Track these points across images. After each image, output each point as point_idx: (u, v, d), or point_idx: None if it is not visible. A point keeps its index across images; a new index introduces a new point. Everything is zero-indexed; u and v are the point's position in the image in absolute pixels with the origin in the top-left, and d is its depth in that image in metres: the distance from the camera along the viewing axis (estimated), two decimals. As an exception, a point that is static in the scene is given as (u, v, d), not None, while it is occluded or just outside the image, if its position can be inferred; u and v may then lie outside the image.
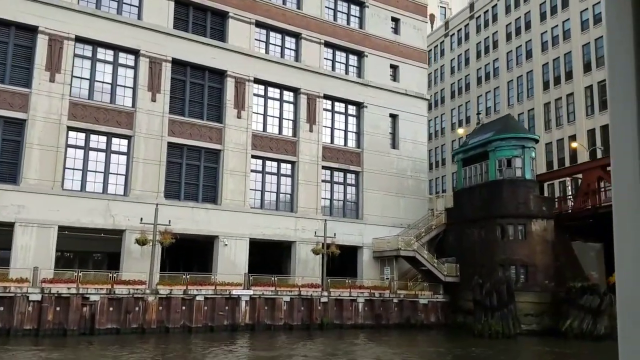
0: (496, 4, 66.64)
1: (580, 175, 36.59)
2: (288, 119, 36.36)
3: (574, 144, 48.70)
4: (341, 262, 37.33)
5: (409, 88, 40.77)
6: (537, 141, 35.66)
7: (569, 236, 34.08)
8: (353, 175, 38.30)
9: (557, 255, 33.43)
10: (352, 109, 38.90)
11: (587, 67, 52.41)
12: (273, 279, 31.34)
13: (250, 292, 30.39)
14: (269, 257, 37.38)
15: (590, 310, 28.70)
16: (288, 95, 36.52)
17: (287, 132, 36.23)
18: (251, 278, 30.84)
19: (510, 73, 63.23)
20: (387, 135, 39.73)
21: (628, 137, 0.85)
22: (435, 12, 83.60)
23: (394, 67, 40.70)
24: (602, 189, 32.46)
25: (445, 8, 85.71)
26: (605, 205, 31.53)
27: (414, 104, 40.79)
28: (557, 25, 56.87)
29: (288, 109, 36.46)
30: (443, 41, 77.33)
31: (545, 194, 43.08)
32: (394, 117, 40.28)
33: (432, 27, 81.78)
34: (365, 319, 33.70)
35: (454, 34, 75.24)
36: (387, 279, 36.46)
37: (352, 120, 38.81)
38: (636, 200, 0.85)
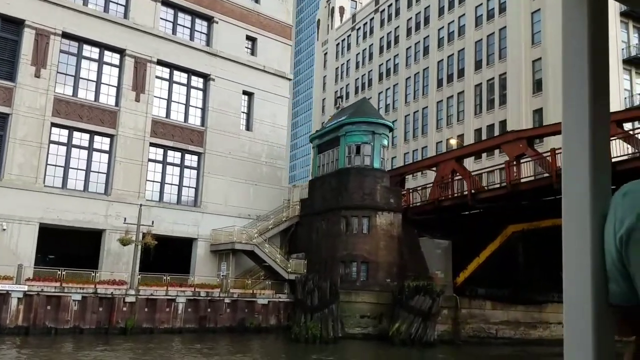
0: (399, -3, 64.73)
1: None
2: (109, 85, 30.82)
3: (452, 141, 46.93)
4: (175, 256, 32.31)
5: (269, 64, 36.56)
6: (391, 129, 32.59)
7: (418, 231, 31.23)
8: (194, 157, 33.40)
9: (402, 251, 30.41)
10: (196, 81, 34.02)
11: (478, 65, 51.23)
12: (60, 272, 25.68)
13: (24, 287, 24.57)
14: (85, 248, 31.59)
15: (420, 312, 25.62)
16: (110, 57, 30.99)
17: (107, 99, 30.67)
18: (27, 270, 25.00)
19: (408, 69, 61.48)
20: (240, 115, 35.23)
21: (579, 137, 0.87)
22: (345, 5, 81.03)
23: (251, 40, 36.33)
24: (453, 180, 29.75)
25: (356, 2, 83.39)
26: (450, 198, 28.87)
27: (274, 83, 36.64)
28: (453, 21, 55.49)
29: (110, 73, 30.93)
30: (350, 35, 74.74)
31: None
32: (249, 95, 35.87)
33: (341, 19, 79.25)
34: (185, 322, 28.81)
35: (360, 27, 72.90)
36: (224, 276, 31.87)
37: (196, 94, 33.92)
38: (585, 204, 0.86)
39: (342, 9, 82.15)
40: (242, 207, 34.06)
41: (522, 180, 24.63)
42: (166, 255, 30.66)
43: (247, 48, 36.14)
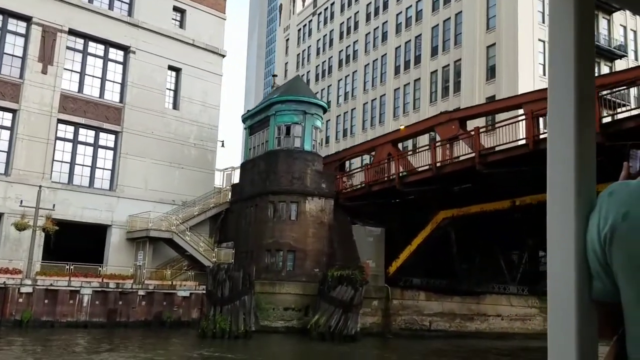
0: (360, -19, 62.79)
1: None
2: (12, 55, 27.85)
3: (401, 126, 45.30)
4: (89, 244, 29.66)
5: (200, 39, 33.98)
6: (325, 109, 30.50)
7: (350, 218, 29.38)
8: (110, 136, 30.68)
9: (332, 239, 28.53)
10: (115, 54, 31.23)
11: (434, 51, 49.79)
12: (-61, 260, 22.89)
13: None
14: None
15: (341, 304, 23.78)
16: (15, 25, 28.00)
17: (9, 71, 27.71)
18: None
19: (367, 56, 59.72)
20: (164, 92, 32.61)
21: (565, 135, 0.89)
22: (308, -11, 78.60)
23: (180, 11, 33.66)
24: (389, 163, 27.78)
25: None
26: (379, 182, 27.07)
27: (205, 59, 34.10)
28: (411, 6, 53.90)
29: (14, 42, 27.95)
30: (311, 20, 72.49)
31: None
32: (176, 70, 33.27)
33: (303, 4, 76.90)
34: (92, 316, 26.32)
35: (321, 12, 70.75)
36: (139, 266, 29.46)
37: (114, 68, 31.14)
38: (570, 201, 0.87)
39: (304, -7, 79.68)
40: (165, 191, 31.58)
41: (454, 161, 22.93)
42: (78, 242, 28.06)
43: (175, 20, 33.48)
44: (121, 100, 30.97)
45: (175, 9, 33.28)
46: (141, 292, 27.95)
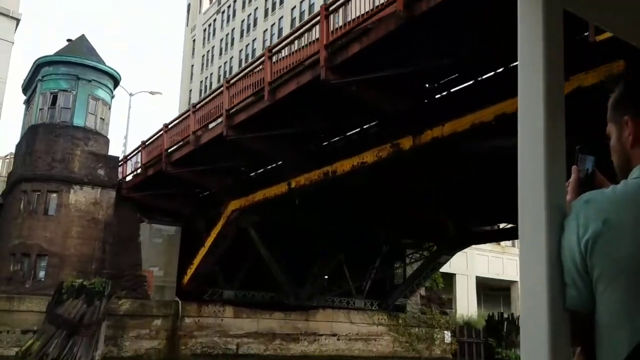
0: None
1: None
2: None
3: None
4: None
5: (-20, -4, 27.48)
6: (116, 79, 24.23)
7: (141, 215, 23.08)
8: None
9: (106, 241, 22.08)
10: None
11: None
12: None
13: None
14: None
15: (66, 323, 17.23)
16: None
17: None
18: None
19: (265, 53, 54.93)
20: None
21: (535, 144, 0.89)
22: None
23: (-49, -40, 27.20)
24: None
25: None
26: (154, 163, 21.00)
27: (-12, 21, 27.56)
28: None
29: None
30: (215, 19, 68.07)
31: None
32: (-59, 32, 26.56)
33: (210, 1, 72.09)
34: None
35: (224, 10, 66.65)
36: None
37: None
38: (540, 209, 0.87)
39: (206, -6, 74.86)
40: None
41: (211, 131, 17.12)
42: None
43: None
44: None
45: (-58, -45, 26.76)
46: None
